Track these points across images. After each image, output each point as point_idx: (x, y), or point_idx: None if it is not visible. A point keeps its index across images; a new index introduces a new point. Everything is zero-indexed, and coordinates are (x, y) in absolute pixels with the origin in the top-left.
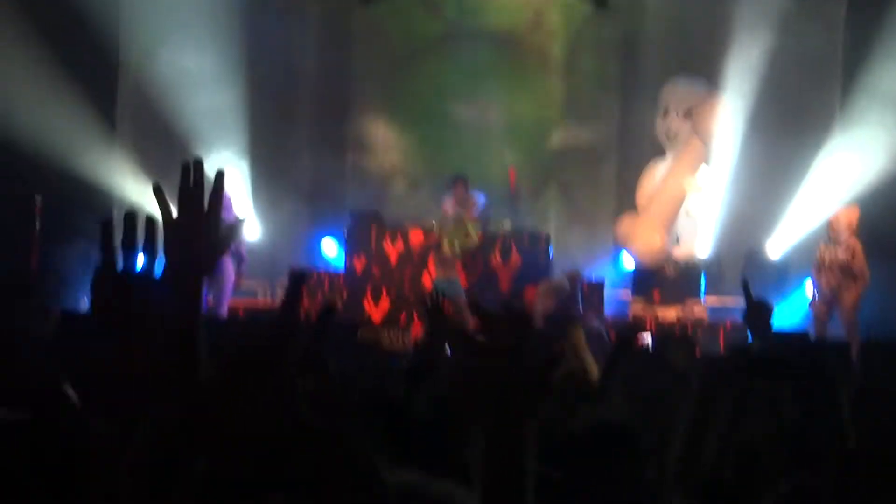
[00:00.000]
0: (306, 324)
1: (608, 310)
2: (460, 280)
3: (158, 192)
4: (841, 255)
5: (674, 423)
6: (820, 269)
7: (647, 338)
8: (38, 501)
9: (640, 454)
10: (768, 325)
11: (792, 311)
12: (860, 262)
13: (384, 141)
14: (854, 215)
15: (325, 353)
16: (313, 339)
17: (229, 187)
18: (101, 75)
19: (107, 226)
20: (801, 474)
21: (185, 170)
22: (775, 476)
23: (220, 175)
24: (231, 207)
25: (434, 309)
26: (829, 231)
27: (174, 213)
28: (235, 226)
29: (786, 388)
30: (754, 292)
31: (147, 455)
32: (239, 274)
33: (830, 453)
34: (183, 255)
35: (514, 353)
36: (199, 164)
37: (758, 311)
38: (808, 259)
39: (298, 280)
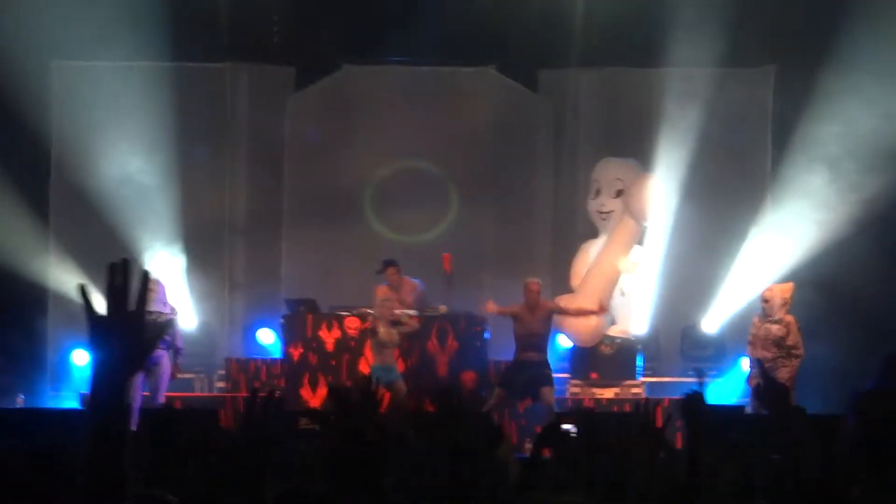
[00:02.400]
0: (249, 414)
1: None
2: (397, 366)
3: (83, 292)
4: (775, 330)
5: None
6: (755, 343)
7: (570, 427)
8: None
9: None
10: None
11: (729, 387)
12: (794, 337)
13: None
14: (789, 291)
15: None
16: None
17: (164, 279)
18: (33, 171)
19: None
20: None
21: (112, 269)
22: None
23: (145, 274)
24: (165, 300)
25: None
26: (763, 306)
27: (100, 311)
28: (167, 320)
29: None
30: (694, 368)
31: None
32: (175, 366)
33: None
34: (110, 351)
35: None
36: (125, 264)
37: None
38: (743, 333)
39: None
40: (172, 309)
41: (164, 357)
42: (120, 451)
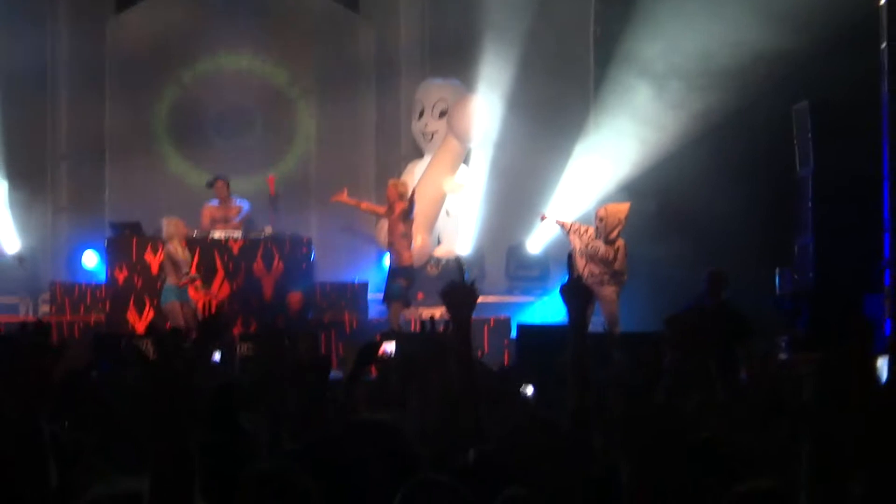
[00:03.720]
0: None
1: (371, 313)
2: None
3: None
4: (603, 251)
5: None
6: (582, 256)
7: (389, 346)
8: None
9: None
10: (582, 301)
11: (555, 306)
12: (622, 262)
13: (144, 149)
14: (624, 212)
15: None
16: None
17: None
18: None
19: None
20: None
21: None
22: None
23: None
24: None
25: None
26: (598, 224)
27: None
28: None
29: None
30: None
31: None
32: None
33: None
34: None
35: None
36: None
37: (576, 286)
38: (566, 251)
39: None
40: None
41: None
42: None
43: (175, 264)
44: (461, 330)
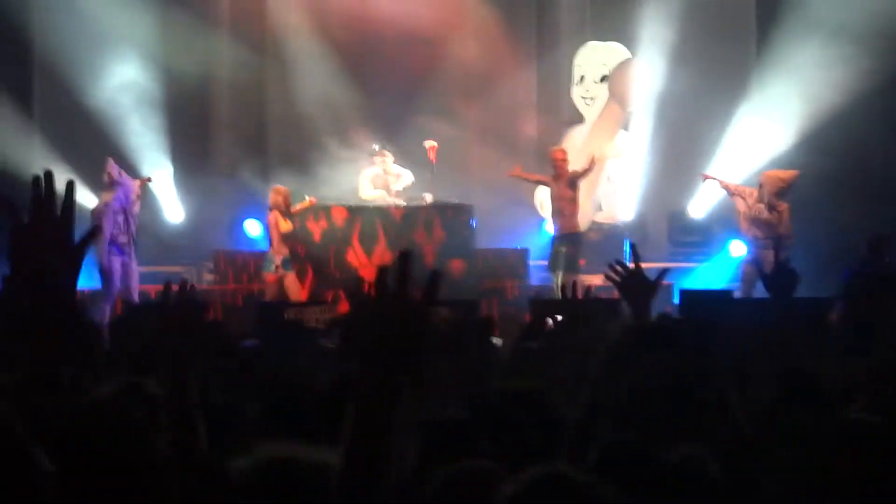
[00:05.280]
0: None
1: (533, 279)
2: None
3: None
4: (766, 216)
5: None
6: (745, 219)
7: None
8: None
9: (550, 416)
10: (645, 295)
11: (718, 271)
12: (787, 226)
13: (304, 117)
14: (786, 177)
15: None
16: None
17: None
18: (17, 70)
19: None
20: (688, 445)
21: (36, 181)
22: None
23: (70, 186)
24: (129, 192)
25: (353, 285)
26: (759, 189)
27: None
28: (93, 227)
29: (674, 359)
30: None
31: None
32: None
33: (714, 425)
34: (33, 263)
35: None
36: (49, 176)
37: (636, 280)
38: (730, 219)
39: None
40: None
41: (114, 261)
42: (78, 352)
43: (285, 236)
44: (641, 318)
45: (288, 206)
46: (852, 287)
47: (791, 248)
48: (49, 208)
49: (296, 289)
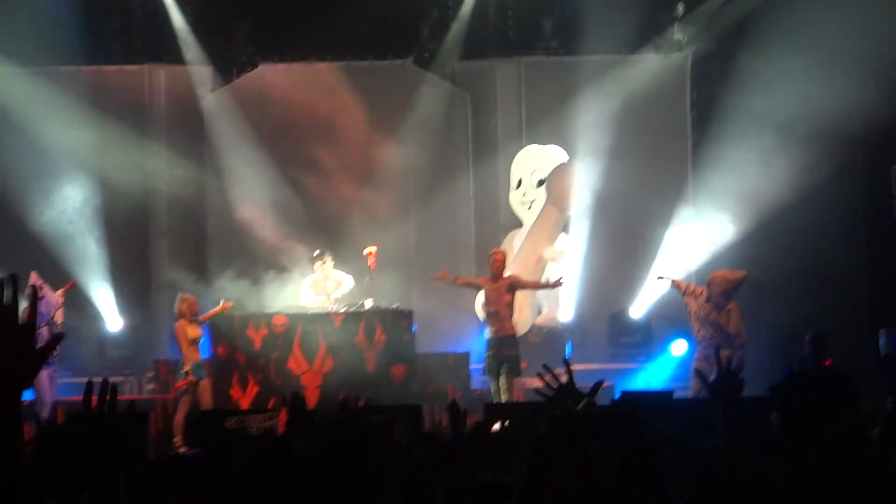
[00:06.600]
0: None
1: (475, 383)
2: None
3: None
4: (714, 316)
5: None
6: (697, 319)
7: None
8: None
9: None
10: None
11: (659, 372)
12: (736, 325)
13: (244, 226)
14: (731, 278)
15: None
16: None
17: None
18: None
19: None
20: None
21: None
22: None
23: (34, 289)
24: (51, 307)
25: (294, 396)
26: (707, 289)
27: None
28: (58, 334)
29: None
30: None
31: None
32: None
33: None
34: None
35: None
36: (11, 280)
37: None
38: (669, 318)
39: None
40: (51, 321)
41: (42, 373)
42: (15, 463)
43: (194, 342)
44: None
45: (195, 313)
46: (781, 388)
47: (743, 347)
48: (11, 313)
49: (208, 396)
